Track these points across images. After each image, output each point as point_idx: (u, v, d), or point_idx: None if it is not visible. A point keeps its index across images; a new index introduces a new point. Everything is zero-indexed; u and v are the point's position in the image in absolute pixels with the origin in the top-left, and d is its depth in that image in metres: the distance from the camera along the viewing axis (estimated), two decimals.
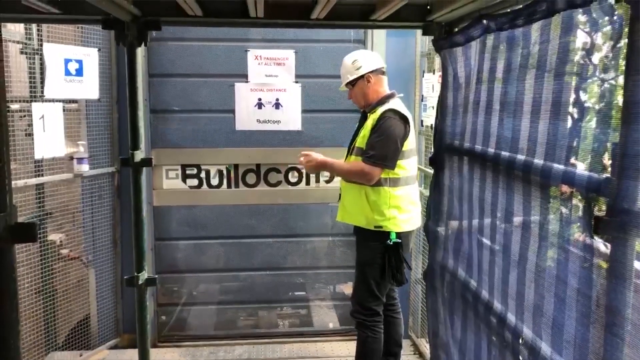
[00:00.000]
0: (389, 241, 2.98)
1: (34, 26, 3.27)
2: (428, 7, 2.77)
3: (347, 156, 3.20)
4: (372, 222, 3.02)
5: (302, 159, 3.17)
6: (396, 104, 3.08)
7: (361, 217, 3.06)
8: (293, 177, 4.09)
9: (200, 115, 3.99)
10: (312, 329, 4.24)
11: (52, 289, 3.53)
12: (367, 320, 3.10)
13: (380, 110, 3.01)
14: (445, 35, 2.79)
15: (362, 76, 3.09)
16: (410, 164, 3.09)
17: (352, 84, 3.13)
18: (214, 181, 4.06)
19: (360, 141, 3.06)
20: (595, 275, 1.45)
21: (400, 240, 2.99)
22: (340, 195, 3.23)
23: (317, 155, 3.15)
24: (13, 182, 3.09)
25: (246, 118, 3.93)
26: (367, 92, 3.11)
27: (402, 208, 3.03)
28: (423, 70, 3.81)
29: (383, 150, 2.94)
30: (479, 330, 2.27)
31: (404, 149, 3.00)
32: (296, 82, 3.94)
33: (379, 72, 3.13)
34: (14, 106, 3.21)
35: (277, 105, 3.93)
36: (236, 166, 4.05)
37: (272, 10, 2.72)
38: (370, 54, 3.22)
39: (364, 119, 3.18)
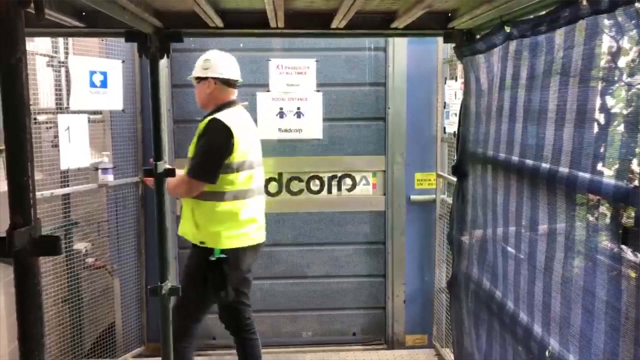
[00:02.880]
0: (211, 257, 2.81)
1: (60, 39, 3.34)
2: (449, 14, 2.74)
3: None
4: (197, 237, 2.89)
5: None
6: (228, 113, 2.93)
7: (188, 231, 2.95)
8: (315, 185, 4.09)
9: None
10: (334, 337, 4.22)
11: (78, 297, 3.58)
12: (175, 340, 2.85)
13: (208, 118, 2.89)
14: (467, 42, 2.77)
15: (205, 78, 2.99)
16: (243, 178, 2.92)
17: (198, 80, 3.03)
18: None
19: (191, 149, 2.94)
20: (624, 287, 1.41)
21: (225, 257, 2.83)
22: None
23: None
24: (40, 193, 3.16)
25: (268, 127, 3.94)
26: (204, 96, 3.02)
27: (229, 224, 2.87)
28: (445, 77, 3.78)
29: (203, 163, 2.83)
30: (505, 342, 2.23)
31: (232, 161, 2.85)
32: (317, 90, 3.94)
33: (226, 82, 3.01)
34: (41, 117, 3.28)
35: (299, 114, 3.94)
36: None
37: (293, 21, 2.72)
38: (225, 62, 3.04)
39: None
